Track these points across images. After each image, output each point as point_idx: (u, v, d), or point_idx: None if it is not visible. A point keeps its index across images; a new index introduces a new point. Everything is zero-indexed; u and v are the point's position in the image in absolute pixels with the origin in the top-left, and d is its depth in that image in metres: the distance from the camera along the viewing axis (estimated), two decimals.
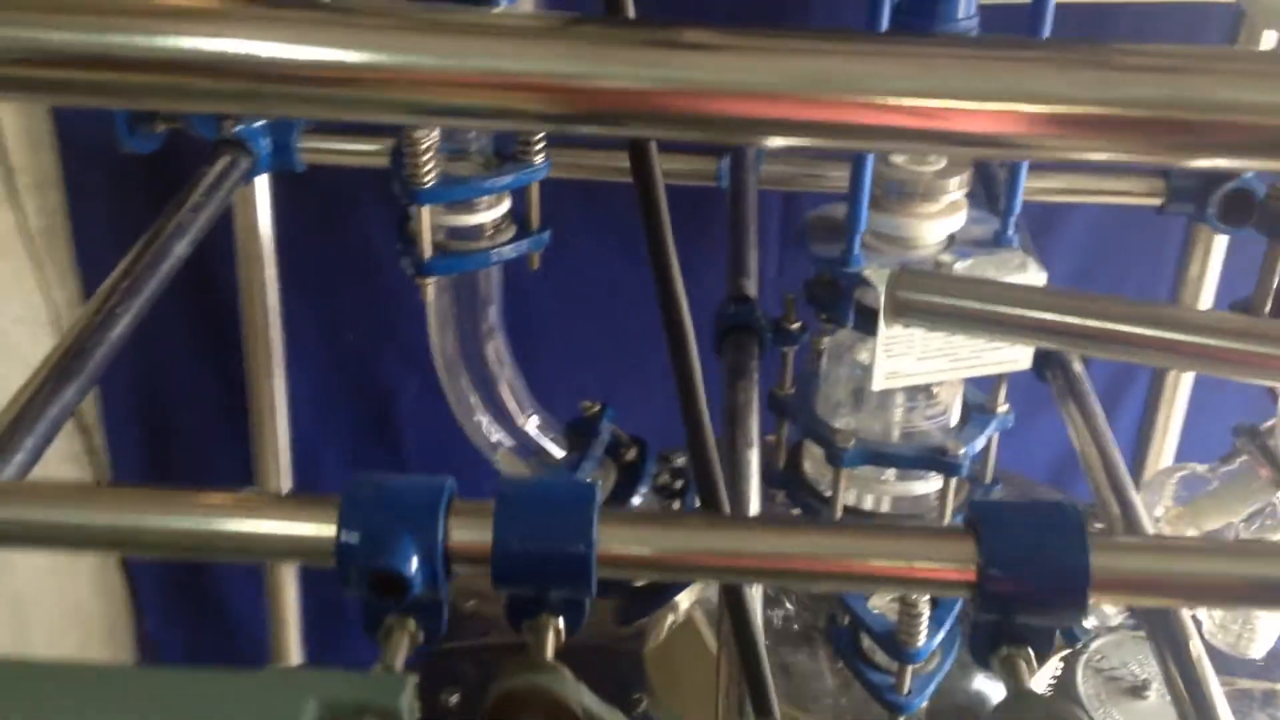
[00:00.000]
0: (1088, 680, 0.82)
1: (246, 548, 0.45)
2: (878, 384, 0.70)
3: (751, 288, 0.82)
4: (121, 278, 0.66)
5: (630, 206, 0.52)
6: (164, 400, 1.20)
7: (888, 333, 0.69)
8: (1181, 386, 1.09)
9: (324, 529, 0.42)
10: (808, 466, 0.81)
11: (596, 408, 0.82)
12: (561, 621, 0.44)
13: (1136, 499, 0.72)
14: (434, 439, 1.40)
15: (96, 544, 0.46)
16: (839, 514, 0.75)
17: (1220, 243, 0.98)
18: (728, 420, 0.69)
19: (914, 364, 0.70)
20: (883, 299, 0.65)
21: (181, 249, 0.70)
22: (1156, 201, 0.88)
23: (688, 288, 0.50)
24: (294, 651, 1.14)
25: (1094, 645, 0.84)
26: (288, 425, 1.04)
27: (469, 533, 0.42)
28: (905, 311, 0.53)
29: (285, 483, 1.06)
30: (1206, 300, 1.00)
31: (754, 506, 0.65)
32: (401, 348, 1.22)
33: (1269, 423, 0.78)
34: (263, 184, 0.92)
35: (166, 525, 0.43)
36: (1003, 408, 0.77)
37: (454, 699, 0.90)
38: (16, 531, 0.44)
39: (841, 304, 0.72)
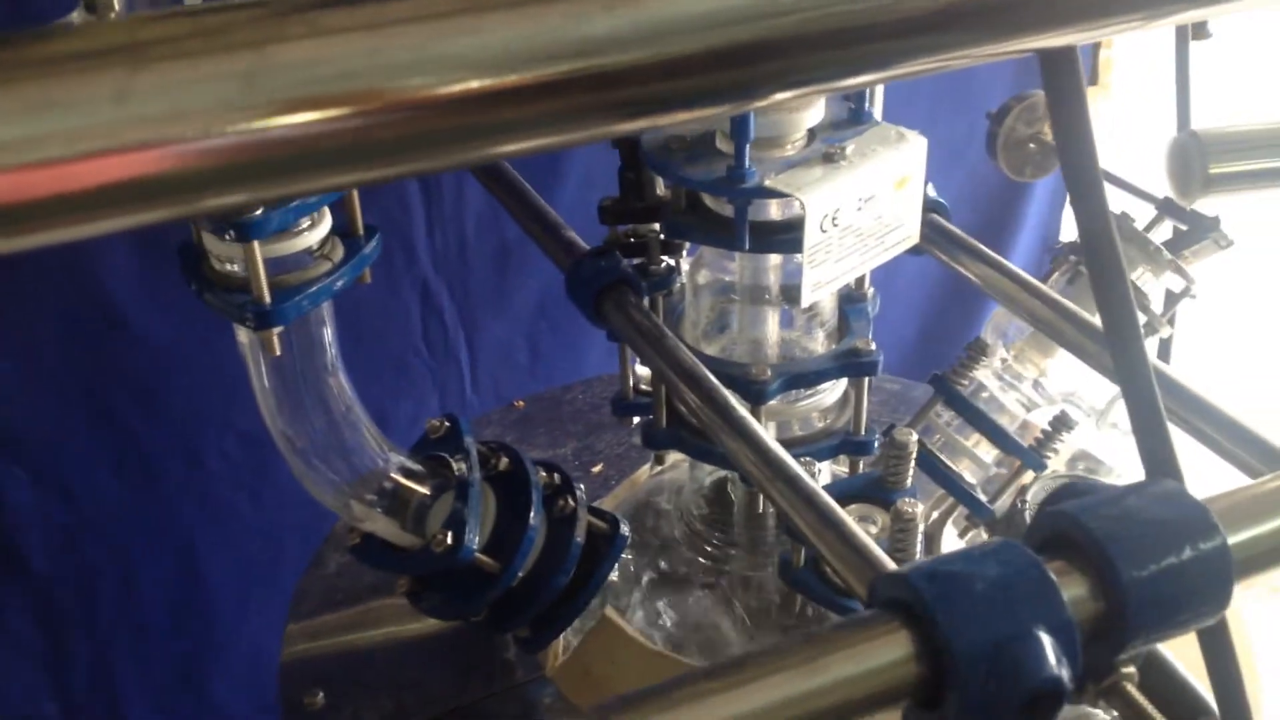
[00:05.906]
0: None
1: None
2: (808, 298, 0.64)
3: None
4: None
5: None
6: None
7: (812, 243, 0.63)
8: None
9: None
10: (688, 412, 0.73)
11: (447, 424, 0.69)
12: None
13: None
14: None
15: None
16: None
17: None
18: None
19: (834, 268, 0.65)
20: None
21: None
22: None
23: None
24: None
25: None
26: None
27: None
28: (1220, 183, 0.47)
29: None
30: None
31: None
32: None
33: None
34: None
35: None
36: (870, 290, 0.74)
37: None
38: None
39: (736, 226, 0.65)
